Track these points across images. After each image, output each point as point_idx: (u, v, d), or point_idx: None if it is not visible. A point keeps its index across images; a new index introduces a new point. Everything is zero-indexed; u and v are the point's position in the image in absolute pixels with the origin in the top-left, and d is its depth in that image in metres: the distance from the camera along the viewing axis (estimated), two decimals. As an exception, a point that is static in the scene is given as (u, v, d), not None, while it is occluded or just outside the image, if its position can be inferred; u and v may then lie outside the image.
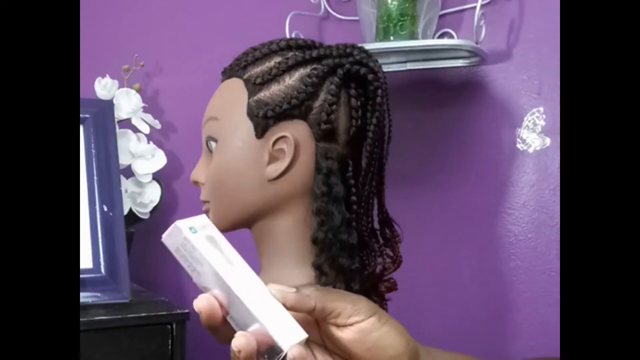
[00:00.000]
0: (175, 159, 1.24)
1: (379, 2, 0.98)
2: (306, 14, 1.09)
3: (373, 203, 0.69)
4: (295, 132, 0.65)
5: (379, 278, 0.70)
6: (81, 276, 0.90)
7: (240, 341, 0.43)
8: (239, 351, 0.43)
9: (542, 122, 1.01)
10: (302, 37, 1.02)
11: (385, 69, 0.76)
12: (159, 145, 1.19)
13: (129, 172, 1.13)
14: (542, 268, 1.01)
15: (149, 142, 1.15)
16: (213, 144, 0.68)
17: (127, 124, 1.15)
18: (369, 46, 0.85)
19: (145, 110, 1.18)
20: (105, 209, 0.96)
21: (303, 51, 0.67)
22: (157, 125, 1.20)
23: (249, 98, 0.66)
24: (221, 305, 0.46)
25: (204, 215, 0.50)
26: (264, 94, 0.66)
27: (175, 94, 1.27)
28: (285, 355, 0.44)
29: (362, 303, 0.49)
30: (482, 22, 0.96)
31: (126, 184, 1.12)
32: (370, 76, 0.65)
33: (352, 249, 0.65)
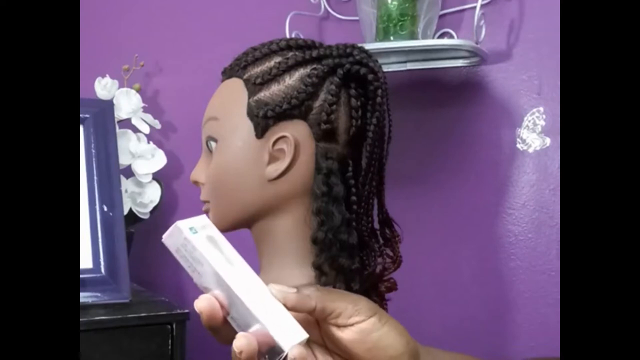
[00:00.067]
0: (175, 159, 1.24)
1: (379, 2, 0.97)
2: (306, 14, 1.09)
3: (373, 203, 0.69)
4: (295, 132, 0.65)
5: (379, 278, 0.70)
6: (81, 276, 0.90)
7: (241, 342, 0.44)
8: (240, 352, 0.43)
9: (542, 122, 1.01)
10: (302, 37, 1.02)
11: (385, 69, 0.76)
12: (159, 145, 1.19)
13: (129, 172, 1.13)
14: (542, 268, 1.01)
15: (149, 142, 1.15)
16: (213, 144, 0.68)
17: (127, 124, 1.15)
18: (369, 46, 0.85)
19: (145, 110, 1.18)
20: (105, 209, 0.96)
21: (303, 51, 0.67)
22: (157, 125, 1.20)
23: (249, 98, 0.66)
24: (222, 306, 0.46)
25: (204, 216, 0.50)
26: (264, 94, 0.66)
27: (175, 94, 1.27)
28: (286, 356, 0.44)
29: (363, 303, 0.49)
30: (482, 22, 0.96)
31: (126, 184, 1.11)
32: (370, 76, 0.65)
33: (352, 249, 0.65)
